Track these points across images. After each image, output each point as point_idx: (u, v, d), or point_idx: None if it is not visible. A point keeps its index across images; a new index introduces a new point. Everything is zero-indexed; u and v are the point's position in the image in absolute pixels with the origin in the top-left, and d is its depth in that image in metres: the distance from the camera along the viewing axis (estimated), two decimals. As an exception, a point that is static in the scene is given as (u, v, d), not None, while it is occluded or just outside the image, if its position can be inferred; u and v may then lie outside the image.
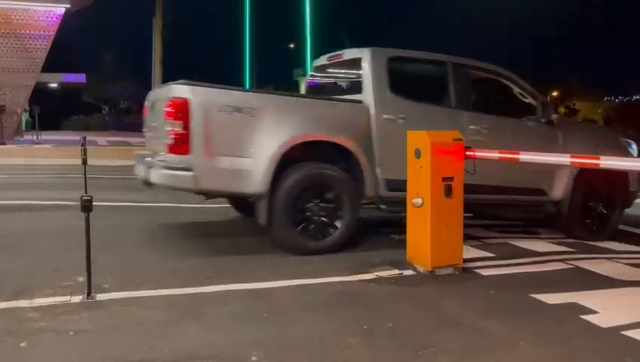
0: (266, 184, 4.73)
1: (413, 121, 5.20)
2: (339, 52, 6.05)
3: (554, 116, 6.08)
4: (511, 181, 5.80)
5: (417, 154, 4.50)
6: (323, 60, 6.41)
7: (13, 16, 20.49)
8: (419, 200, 4.47)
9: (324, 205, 5.05)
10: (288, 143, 4.80)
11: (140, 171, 5.26)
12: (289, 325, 3.39)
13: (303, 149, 4.88)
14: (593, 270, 4.87)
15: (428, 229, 4.43)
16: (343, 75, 6.28)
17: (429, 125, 4.88)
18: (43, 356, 2.89)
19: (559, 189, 6.04)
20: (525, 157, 4.27)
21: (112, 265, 4.47)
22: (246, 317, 3.50)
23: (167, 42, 24.98)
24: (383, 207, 5.40)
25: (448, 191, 4.43)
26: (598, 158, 3.80)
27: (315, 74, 6.75)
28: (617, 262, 5.24)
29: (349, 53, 5.86)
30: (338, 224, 5.11)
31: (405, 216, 4.74)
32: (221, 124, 4.63)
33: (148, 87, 29.63)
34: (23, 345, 3.00)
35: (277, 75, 57.96)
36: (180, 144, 4.53)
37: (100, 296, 3.74)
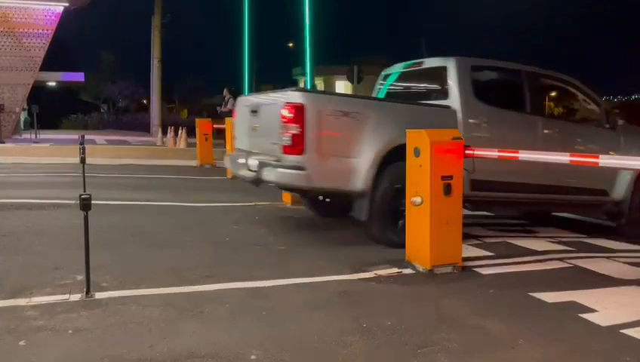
0: (368, 182, 5.12)
1: (495, 126, 5.77)
2: (417, 60, 6.46)
3: (620, 122, 6.61)
4: (575, 182, 6.20)
5: (416, 153, 4.50)
6: (398, 68, 6.81)
7: (11, 15, 20.45)
8: (418, 199, 4.47)
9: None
10: (388, 145, 5.13)
11: (242, 170, 5.81)
12: (288, 324, 3.39)
13: (401, 151, 4.93)
14: (592, 269, 4.87)
15: (427, 228, 4.43)
16: (422, 82, 6.65)
17: (509, 129, 5.70)
18: (42, 354, 2.88)
19: (620, 190, 6.44)
20: (525, 155, 4.29)
21: (111, 264, 4.46)
22: (245, 315, 3.50)
23: (166, 41, 24.98)
24: (467, 206, 5.66)
25: (448, 189, 4.43)
26: (597, 157, 3.81)
27: (387, 81, 7.02)
28: (616, 260, 5.25)
29: (429, 62, 6.26)
30: None
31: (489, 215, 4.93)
32: (331, 127, 5.05)
33: (146, 86, 29.64)
34: (22, 343, 3.00)
35: (276, 74, 58.02)
36: (295, 145, 4.93)
37: (99, 295, 3.74)
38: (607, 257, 5.37)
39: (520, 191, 5.97)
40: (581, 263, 5.04)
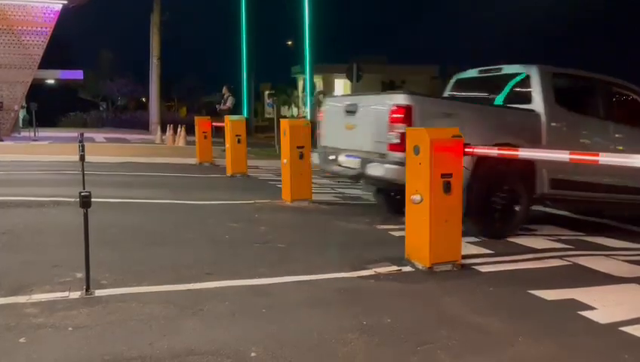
0: (466, 179, 5.36)
1: (573, 129, 6.24)
2: (494, 67, 6.92)
3: None
4: (634, 182, 6.50)
5: (416, 150, 4.50)
6: (473, 73, 7.31)
7: (10, 12, 20.39)
8: (417, 197, 4.47)
9: (505, 196, 5.89)
10: (485, 145, 5.31)
11: (332, 166, 6.44)
12: (288, 321, 3.40)
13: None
14: (591, 266, 4.88)
15: (427, 226, 4.44)
16: (502, 87, 6.98)
17: (587, 133, 6.20)
18: (42, 351, 2.89)
19: None
20: (525, 153, 4.31)
21: (111, 261, 4.46)
22: (245, 313, 3.51)
23: (165, 39, 24.95)
24: (547, 203, 6.22)
25: (447, 187, 4.43)
26: (597, 155, 3.82)
27: (459, 84, 7.47)
28: (615, 258, 5.26)
29: (508, 69, 6.70)
30: (515, 212, 5.96)
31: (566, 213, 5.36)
32: (434, 126, 5.24)
33: (145, 84, 29.58)
34: (22, 340, 3.00)
35: (275, 72, 57.95)
36: (402, 143, 5.08)
37: (99, 292, 3.74)
38: (607, 255, 5.38)
39: (592, 190, 6.43)
40: (580, 261, 5.05)
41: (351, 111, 6.24)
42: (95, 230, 4.21)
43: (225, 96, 16.52)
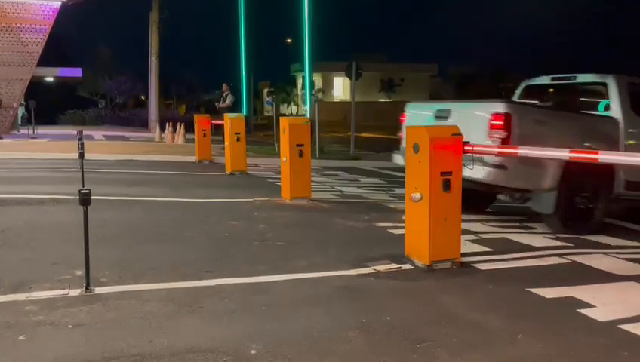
0: (556, 181, 5.91)
1: None
2: (567, 75, 7.29)
3: None
4: None
5: (415, 149, 4.50)
6: (544, 80, 7.67)
7: (8, 10, 20.36)
8: (417, 195, 4.48)
9: (587, 197, 6.25)
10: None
11: None
12: (288, 319, 3.40)
13: None
14: (590, 264, 4.89)
15: (426, 224, 4.44)
16: (576, 94, 7.50)
17: None
18: (42, 349, 2.89)
19: None
20: (524, 151, 4.32)
21: (110, 259, 4.46)
22: (245, 311, 3.51)
23: (164, 37, 24.91)
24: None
25: (447, 185, 4.44)
26: (596, 153, 3.83)
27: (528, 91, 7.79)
28: (614, 256, 5.26)
29: (583, 77, 7.09)
30: (595, 213, 6.31)
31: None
32: (530, 132, 5.74)
33: (144, 82, 29.51)
34: (21, 338, 3.00)
35: (274, 70, 57.90)
36: None
37: (99, 290, 3.74)
38: (605, 253, 5.38)
39: None
40: (579, 259, 5.05)
41: (442, 116, 6.56)
42: (95, 228, 4.21)
43: (224, 94, 16.51)
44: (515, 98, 7.95)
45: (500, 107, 5.79)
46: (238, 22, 23.65)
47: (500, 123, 5.68)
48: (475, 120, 5.96)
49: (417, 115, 7.19)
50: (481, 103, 6.46)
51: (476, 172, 5.71)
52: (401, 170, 5.67)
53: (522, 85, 8.01)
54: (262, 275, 4.22)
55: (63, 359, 2.79)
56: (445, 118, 6.43)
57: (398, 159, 7.35)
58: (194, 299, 3.67)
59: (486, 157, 5.63)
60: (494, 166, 5.69)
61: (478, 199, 7.01)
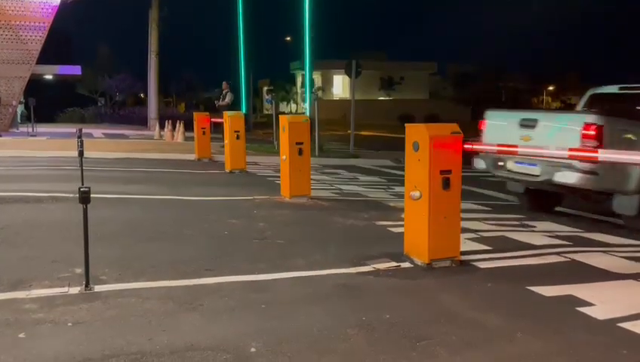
0: (637, 183, 6.28)
1: None
2: (636, 85, 7.62)
3: None
4: None
5: (415, 147, 4.50)
6: (612, 89, 7.94)
7: (7, 7, 20.32)
8: (416, 193, 4.48)
9: None
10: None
11: (500, 172, 7.18)
12: (287, 317, 3.41)
13: None
14: (589, 263, 4.89)
15: (425, 222, 4.44)
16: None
17: None
18: (42, 347, 2.89)
19: None
20: (523, 150, 4.32)
21: (110, 257, 4.46)
22: (244, 308, 3.51)
23: (163, 35, 24.87)
24: None
25: (446, 184, 4.44)
26: (596, 151, 3.83)
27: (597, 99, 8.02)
28: (613, 254, 5.27)
29: None
30: None
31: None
32: (618, 140, 6.12)
33: (144, 80, 29.48)
34: (21, 335, 3.01)
35: (274, 68, 57.87)
36: None
37: (98, 288, 3.75)
38: (605, 251, 5.39)
39: None
40: (579, 257, 5.06)
41: (528, 125, 6.86)
42: (94, 225, 4.21)
43: (224, 92, 16.51)
44: (580, 106, 8.25)
45: (593, 119, 6.19)
46: (237, 20, 23.61)
47: (593, 133, 6.08)
48: (566, 130, 6.43)
49: (501, 122, 7.48)
50: (574, 114, 7.04)
51: (569, 177, 6.24)
52: (401, 168, 5.68)
53: (588, 93, 8.25)
54: (261, 273, 4.22)
55: (63, 357, 2.79)
56: (532, 127, 6.74)
57: (481, 164, 7.68)
58: (194, 296, 3.67)
59: (579, 165, 6.16)
60: (586, 172, 6.12)
61: (549, 199, 7.52)
